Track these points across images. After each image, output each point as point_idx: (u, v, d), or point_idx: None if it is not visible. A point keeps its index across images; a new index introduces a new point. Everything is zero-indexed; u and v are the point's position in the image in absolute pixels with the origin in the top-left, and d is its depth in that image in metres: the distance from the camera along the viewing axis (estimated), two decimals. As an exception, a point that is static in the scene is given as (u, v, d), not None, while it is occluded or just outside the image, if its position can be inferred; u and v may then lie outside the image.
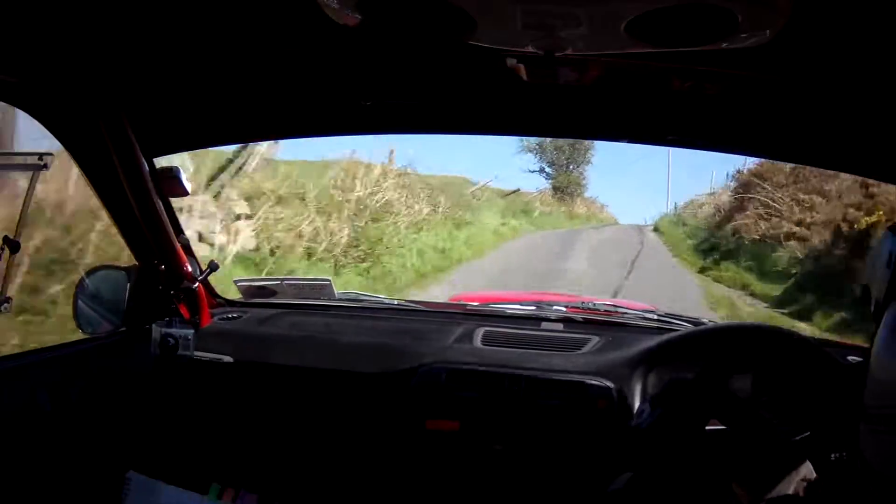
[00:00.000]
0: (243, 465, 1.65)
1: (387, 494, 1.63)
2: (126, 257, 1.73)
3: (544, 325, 1.83)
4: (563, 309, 2.00)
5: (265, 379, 1.69)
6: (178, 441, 1.65)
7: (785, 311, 7.94)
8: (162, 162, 1.61)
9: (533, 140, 21.02)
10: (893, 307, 0.74)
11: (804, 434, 1.30)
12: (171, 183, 1.58)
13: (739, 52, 0.91)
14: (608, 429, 1.54)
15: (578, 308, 2.06)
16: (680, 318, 1.94)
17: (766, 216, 11.21)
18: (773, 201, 11.13)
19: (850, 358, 1.52)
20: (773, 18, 0.83)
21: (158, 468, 1.59)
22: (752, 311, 8.16)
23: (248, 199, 8.04)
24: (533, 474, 1.57)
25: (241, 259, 7.46)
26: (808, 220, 10.13)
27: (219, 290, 1.92)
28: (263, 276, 6.56)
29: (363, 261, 8.82)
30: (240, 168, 7.81)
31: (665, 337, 1.63)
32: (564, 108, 1.43)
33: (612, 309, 2.09)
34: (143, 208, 1.51)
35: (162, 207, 1.55)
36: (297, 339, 1.72)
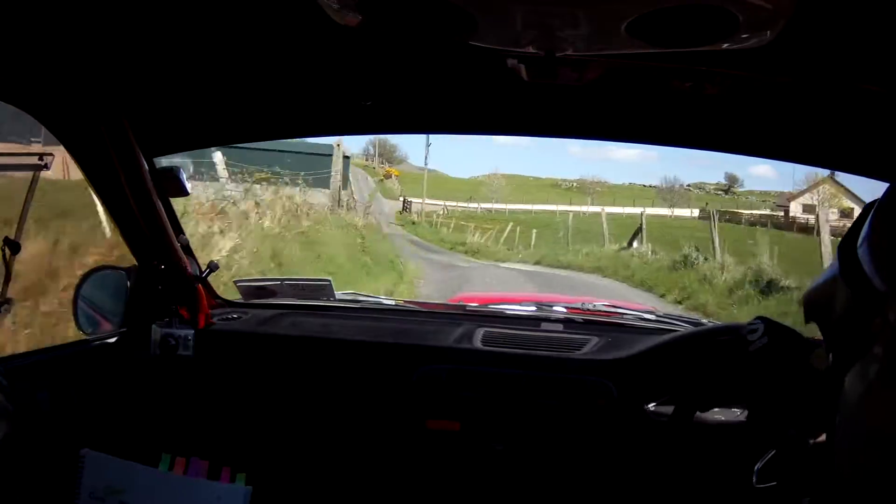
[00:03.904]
0: (243, 465, 1.65)
1: (387, 494, 1.63)
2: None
3: (544, 325, 1.83)
4: (563, 310, 2.01)
5: (265, 379, 1.69)
6: (177, 441, 1.65)
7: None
8: (162, 162, 1.61)
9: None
10: (858, 370, 0.57)
11: (806, 434, 1.29)
12: (171, 183, 1.58)
13: (740, 52, 0.91)
14: (608, 428, 1.54)
15: (578, 309, 2.07)
16: (679, 318, 1.95)
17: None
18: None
19: None
20: (773, 19, 0.83)
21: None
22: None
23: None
24: (533, 474, 1.57)
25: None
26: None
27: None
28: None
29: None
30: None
31: (664, 337, 1.63)
32: (564, 108, 1.43)
33: (611, 310, 2.10)
34: (143, 208, 1.51)
35: (162, 207, 1.55)
36: (296, 340, 1.72)
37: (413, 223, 31.00)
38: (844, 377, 0.57)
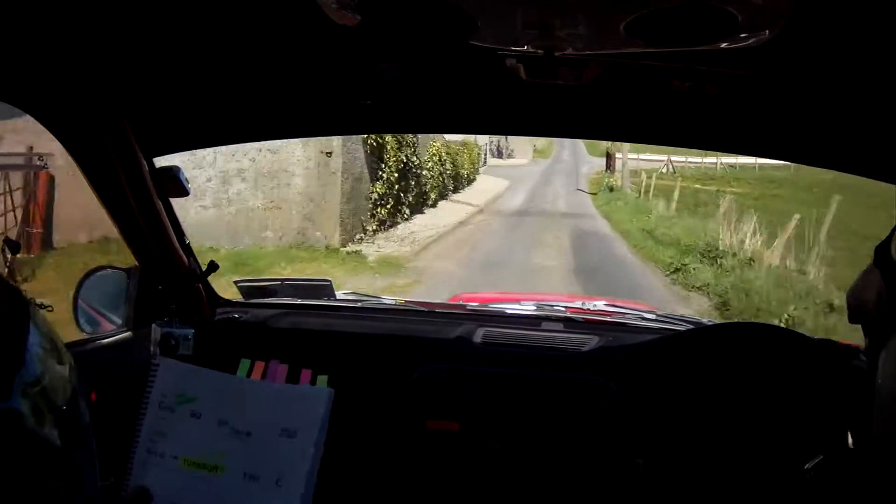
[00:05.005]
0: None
1: (387, 495, 1.63)
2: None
3: (544, 325, 1.83)
4: (563, 309, 2.01)
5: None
6: None
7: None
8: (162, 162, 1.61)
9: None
10: (890, 349, 0.65)
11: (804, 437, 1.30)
12: (171, 183, 1.58)
13: (739, 52, 0.91)
14: (608, 428, 1.54)
15: (578, 308, 2.07)
16: (680, 318, 1.95)
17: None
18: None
19: (855, 362, 1.51)
20: (773, 18, 0.82)
21: None
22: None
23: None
24: (533, 474, 1.57)
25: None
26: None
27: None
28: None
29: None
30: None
31: (664, 337, 1.63)
32: (564, 107, 1.43)
33: (611, 309, 2.10)
34: (143, 208, 1.51)
35: (162, 207, 1.55)
36: (297, 340, 1.73)
37: (611, 189, 21.95)
38: (878, 359, 0.62)
